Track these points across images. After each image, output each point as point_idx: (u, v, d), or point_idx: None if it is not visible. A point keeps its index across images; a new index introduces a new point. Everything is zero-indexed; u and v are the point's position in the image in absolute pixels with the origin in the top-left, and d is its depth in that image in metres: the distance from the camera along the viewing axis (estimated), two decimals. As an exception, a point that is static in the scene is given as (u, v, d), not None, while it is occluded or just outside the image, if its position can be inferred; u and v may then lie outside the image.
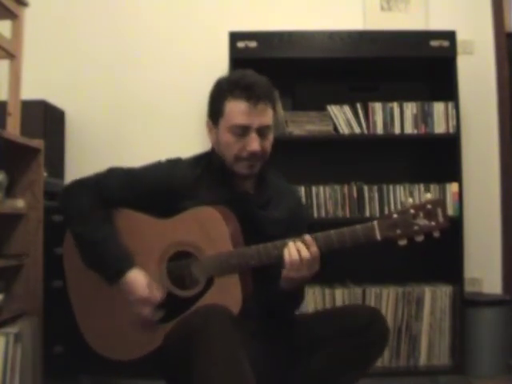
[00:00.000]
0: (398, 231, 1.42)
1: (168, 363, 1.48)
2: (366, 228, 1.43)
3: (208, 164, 1.64)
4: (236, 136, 1.53)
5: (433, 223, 1.41)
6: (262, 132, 1.54)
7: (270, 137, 1.59)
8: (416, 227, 1.42)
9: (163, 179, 1.60)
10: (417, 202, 1.44)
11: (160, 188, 1.59)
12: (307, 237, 1.44)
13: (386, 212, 2.61)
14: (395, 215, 1.43)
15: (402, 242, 1.43)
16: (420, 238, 1.42)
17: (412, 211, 1.42)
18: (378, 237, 1.43)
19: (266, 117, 1.55)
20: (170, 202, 1.58)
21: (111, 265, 1.53)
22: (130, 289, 1.52)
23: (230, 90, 1.54)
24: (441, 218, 1.41)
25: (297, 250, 1.42)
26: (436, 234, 1.42)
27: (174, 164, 1.64)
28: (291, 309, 1.61)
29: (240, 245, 1.52)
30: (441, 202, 1.43)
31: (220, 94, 1.57)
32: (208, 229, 1.51)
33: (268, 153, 1.59)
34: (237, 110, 1.53)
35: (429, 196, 1.44)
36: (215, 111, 1.58)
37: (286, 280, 1.46)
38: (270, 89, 1.57)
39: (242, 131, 1.53)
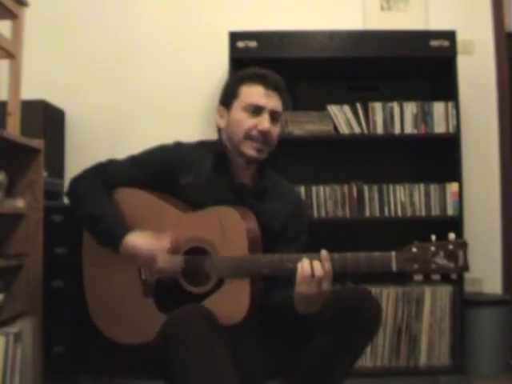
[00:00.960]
0: (415, 266, 1.39)
1: (158, 360, 1.48)
2: (383, 257, 1.41)
3: (210, 150, 1.67)
4: (249, 114, 1.60)
5: (451, 265, 1.38)
6: (273, 117, 1.61)
7: (279, 127, 1.66)
8: (433, 265, 1.38)
9: (168, 157, 1.64)
10: (439, 241, 1.40)
11: (165, 166, 1.62)
12: (323, 253, 1.42)
13: (387, 213, 2.62)
14: (414, 249, 1.39)
15: (417, 277, 1.40)
16: (436, 277, 1.40)
17: (432, 248, 1.39)
18: (394, 268, 1.40)
19: (279, 104, 1.63)
20: (174, 179, 1.61)
21: (113, 233, 1.55)
22: (136, 247, 1.53)
23: (246, 77, 1.63)
24: (461, 261, 1.37)
25: (310, 266, 1.40)
26: (453, 276, 1.39)
27: (177, 145, 1.69)
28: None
29: (257, 251, 1.51)
30: (464, 245, 1.38)
31: (235, 81, 1.66)
32: (227, 230, 1.51)
33: (275, 141, 1.64)
34: (253, 91, 1.61)
35: (452, 236, 1.40)
36: (229, 95, 1.65)
37: (297, 296, 1.43)
38: (283, 84, 1.66)
39: (256, 110, 1.59)
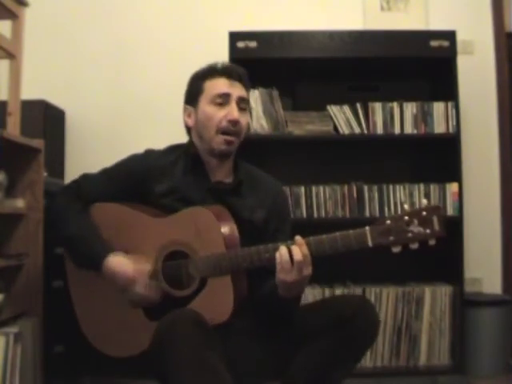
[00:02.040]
0: (391, 238, 1.38)
1: (153, 366, 1.48)
2: (358, 234, 1.40)
3: (182, 153, 1.68)
4: (217, 106, 1.61)
5: (428, 231, 1.36)
6: (240, 105, 1.62)
7: (247, 116, 1.68)
8: (410, 234, 1.37)
9: (139, 165, 1.65)
10: (412, 208, 1.40)
11: (137, 175, 1.63)
12: (298, 238, 1.42)
13: (387, 213, 2.62)
14: (388, 221, 1.39)
15: (396, 249, 1.38)
16: (415, 246, 1.38)
17: (406, 218, 1.38)
18: (370, 243, 1.39)
19: (244, 92, 1.64)
20: (148, 188, 1.61)
21: (93, 255, 1.55)
22: (116, 269, 1.53)
23: (208, 73, 1.66)
24: (436, 226, 1.36)
25: (288, 252, 1.40)
26: (431, 242, 1.37)
27: (148, 152, 1.70)
28: (289, 313, 1.59)
29: (235, 247, 1.51)
30: (437, 210, 1.37)
31: (198, 78, 1.67)
32: (202, 230, 1.51)
33: (244, 131, 1.65)
34: (217, 83, 1.63)
35: (425, 202, 1.39)
36: (194, 93, 1.66)
37: (280, 284, 1.43)
38: (246, 74, 1.67)
39: (223, 100, 1.60)
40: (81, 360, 2.29)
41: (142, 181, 1.62)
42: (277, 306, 1.52)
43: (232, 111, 1.60)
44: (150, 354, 1.43)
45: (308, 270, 1.40)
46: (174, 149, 1.71)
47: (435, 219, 1.36)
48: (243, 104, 1.64)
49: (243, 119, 1.64)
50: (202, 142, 1.65)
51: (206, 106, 1.62)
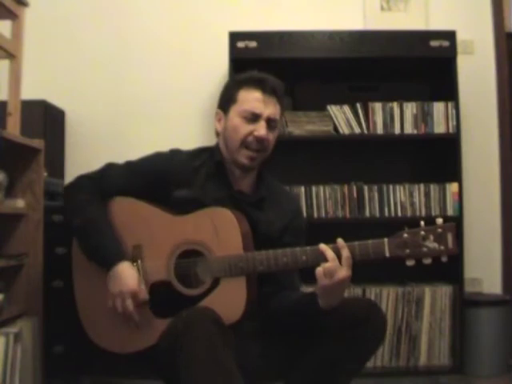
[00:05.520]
0: (407, 251, 1.43)
1: (161, 364, 1.48)
2: (376, 243, 1.45)
3: (208, 158, 1.66)
4: (246, 121, 1.59)
5: (442, 247, 1.42)
6: (269, 124, 1.60)
7: (275, 133, 1.64)
8: (425, 249, 1.43)
9: (162, 166, 1.63)
10: (428, 225, 1.44)
11: (158, 175, 1.61)
12: (339, 241, 1.45)
13: (387, 213, 2.62)
14: (405, 235, 1.44)
15: (410, 263, 1.44)
16: (428, 261, 1.43)
17: (422, 233, 1.43)
18: (387, 253, 1.44)
19: (276, 111, 1.62)
20: (167, 190, 1.60)
21: (109, 253, 1.55)
22: (121, 278, 1.52)
23: (244, 81, 1.62)
24: (450, 244, 1.42)
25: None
26: (444, 259, 1.43)
27: (174, 153, 1.68)
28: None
29: (250, 250, 1.52)
30: (452, 228, 1.43)
31: (233, 85, 1.65)
32: (221, 230, 1.51)
33: (270, 148, 1.63)
34: (250, 97, 1.60)
35: (440, 221, 1.44)
36: (227, 99, 1.64)
37: (325, 291, 1.43)
38: (282, 88, 1.65)
39: (253, 118, 1.58)
40: (81, 360, 2.29)
41: (162, 182, 1.60)
42: (313, 318, 1.50)
43: (259, 128, 1.57)
44: (159, 350, 1.44)
45: (349, 271, 1.43)
46: (200, 152, 1.69)
47: (449, 237, 1.42)
48: (273, 123, 1.61)
49: (271, 136, 1.61)
50: (227, 150, 1.64)
51: (235, 117, 1.60)
